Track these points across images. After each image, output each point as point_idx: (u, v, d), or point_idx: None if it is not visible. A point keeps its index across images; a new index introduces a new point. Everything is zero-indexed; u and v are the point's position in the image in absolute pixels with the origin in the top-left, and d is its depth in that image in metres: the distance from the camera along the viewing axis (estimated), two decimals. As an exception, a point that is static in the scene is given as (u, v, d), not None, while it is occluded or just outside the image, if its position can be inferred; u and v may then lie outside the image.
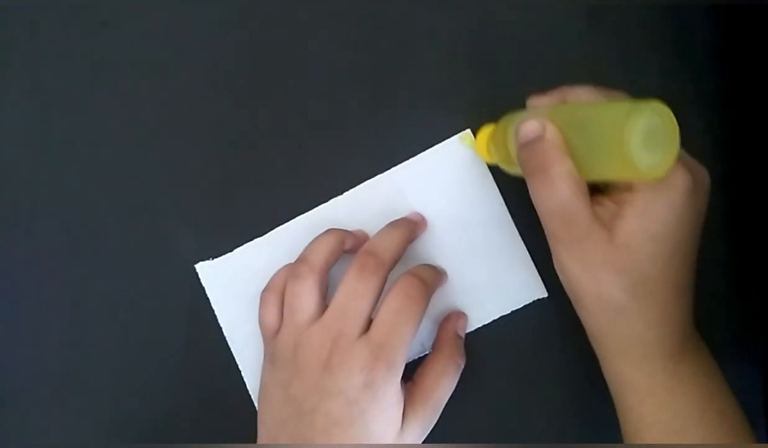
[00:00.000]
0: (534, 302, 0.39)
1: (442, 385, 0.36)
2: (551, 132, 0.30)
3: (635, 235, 0.30)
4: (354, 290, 0.33)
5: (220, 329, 0.39)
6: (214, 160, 0.40)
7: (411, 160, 0.39)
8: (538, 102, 0.34)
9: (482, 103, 0.40)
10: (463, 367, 0.37)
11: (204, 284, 0.39)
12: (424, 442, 0.36)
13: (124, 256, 0.40)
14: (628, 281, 0.30)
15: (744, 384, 0.38)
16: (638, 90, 0.40)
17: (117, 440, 0.40)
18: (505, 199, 0.39)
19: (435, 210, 0.39)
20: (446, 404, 0.36)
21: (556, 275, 0.33)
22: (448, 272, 0.39)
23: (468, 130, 0.39)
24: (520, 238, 0.39)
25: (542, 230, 0.33)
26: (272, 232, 0.39)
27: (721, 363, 0.33)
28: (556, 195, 0.30)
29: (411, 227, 0.38)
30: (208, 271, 0.39)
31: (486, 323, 0.39)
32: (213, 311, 0.39)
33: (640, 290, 0.30)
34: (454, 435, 0.38)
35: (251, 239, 0.39)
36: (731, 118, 0.40)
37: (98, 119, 0.40)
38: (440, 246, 0.39)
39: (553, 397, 0.39)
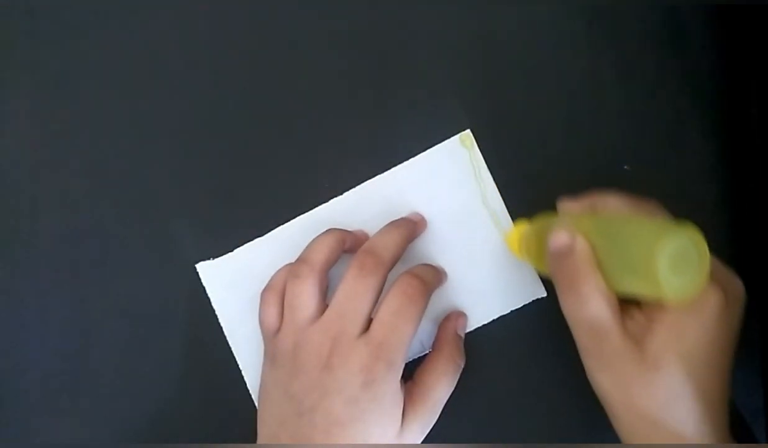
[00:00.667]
0: (534, 301, 0.39)
1: (441, 385, 0.36)
2: (581, 245, 0.31)
3: (665, 355, 0.30)
4: (353, 290, 0.34)
5: (221, 328, 0.39)
6: (215, 160, 0.40)
7: (411, 160, 0.39)
8: (569, 207, 0.35)
9: (482, 104, 0.40)
10: (462, 367, 0.37)
11: (205, 284, 0.39)
12: (423, 442, 0.36)
13: (124, 256, 0.40)
14: (660, 398, 0.30)
15: (743, 384, 0.38)
16: (638, 90, 0.40)
17: (117, 440, 0.40)
18: (504, 200, 0.39)
19: (435, 210, 0.39)
20: (446, 404, 0.36)
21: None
22: (448, 272, 0.39)
23: (468, 131, 0.39)
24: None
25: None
26: (273, 232, 0.39)
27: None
28: (586, 310, 0.31)
29: (411, 227, 0.38)
30: (208, 271, 0.39)
31: (486, 322, 0.39)
32: (213, 310, 0.39)
33: (672, 406, 0.30)
34: (454, 435, 0.38)
35: (252, 239, 0.40)
36: (731, 118, 0.40)
37: (98, 119, 0.41)
38: (440, 246, 0.39)
39: (553, 397, 0.39)
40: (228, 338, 0.39)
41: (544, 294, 0.39)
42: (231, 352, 0.39)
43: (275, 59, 0.40)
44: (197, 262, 0.40)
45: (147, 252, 0.40)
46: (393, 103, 0.40)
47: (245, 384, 0.39)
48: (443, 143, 0.39)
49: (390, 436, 0.33)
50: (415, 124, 0.40)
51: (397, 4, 0.40)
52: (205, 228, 0.40)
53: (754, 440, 0.33)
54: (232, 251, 0.39)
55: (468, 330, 0.39)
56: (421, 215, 0.39)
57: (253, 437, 0.36)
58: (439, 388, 0.36)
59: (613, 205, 0.33)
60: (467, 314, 0.39)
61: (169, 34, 0.41)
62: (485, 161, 0.39)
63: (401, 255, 0.36)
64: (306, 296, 0.34)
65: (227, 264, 0.39)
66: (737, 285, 0.32)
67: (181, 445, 0.39)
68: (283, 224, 0.39)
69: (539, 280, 0.39)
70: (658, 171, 0.40)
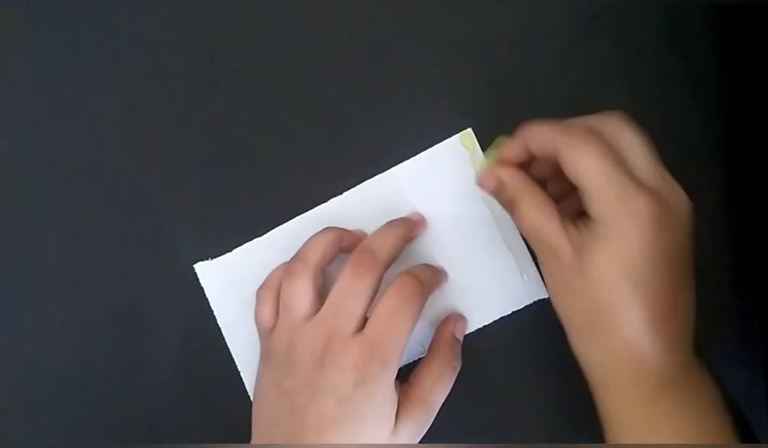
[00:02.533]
0: (534, 302, 0.39)
1: (437, 387, 0.36)
2: (505, 176, 0.34)
3: (597, 264, 0.30)
4: (349, 288, 0.33)
5: (219, 328, 0.39)
6: (214, 160, 0.40)
7: (411, 159, 0.39)
8: (506, 152, 0.35)
9: (482, 104, 0.40)
10: (458, 370, 0.37)
11: (203, 284, 0.39)
12: (421, 442, 0.36)
13: (123, 255, 0.40)
14: (589, 308, 0.31)
15: (745, 384, 0.38)
16: (638, 90, 0.40)
17: (117, 440, 0.40)
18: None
19: (435, 210, 0.39)
20: (445, 404, 0.36)
21: None
22: (449, 273, 0.39)
23: (469, 130, 0.39)
24: (521, 238, 0.39)
25: None
26: (271, 232, 0.39)
27: (721, 363, 0.33)
28: (527, 223, 0.33)
29: (409, 227, 0.37)
30: (207, 271, 0.39)
31: (486, 323, 0.39)
32: (211, 310, 0.39)
33: (598, 319, 0.31)
34: (453, 435, 0.38)
35: (250, 239, 0.39)
36: (731, 118, 0.40)
37: (97, 119, 0.41)
38: (440, 246, 0.39)
39: (553, 397, 0.39)
40: (226, 338, 0.39)
41: (545, 295, 0.39)
42: (229, 351, 0.39)
43: (275, 59, 0.40)
44: (196, 262, 0.40)
45: (146, 252, 0.40)
46: (393, 103, 0.40)
47: (243, 384, 0.39)
48: (444, 142, 0.39)
49: (382, 436, 0.33)
50: (415, 124, 0.40)
51: (397, 4, 0.40)
52: (204, 228, 0.40)
53: (755, 440, 0.33)
54: (231, 251, 0.39)
55: (468, 331, 0.39)
56: (420, 215, 0.39)
57: (250, 437, 0.36)
58: (435, 390, 0.36)
59: (539, 135, 0.33)
60: (468, 315, 0.39)
61: (168, 34, 0.41)
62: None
63: (398, 254, 0.36)
64: (300, 294, 0.34)
65: (225, 264, 0.39)
66: (681, 197, 0.31)
67: (181, 445, 0.39)
68: (282, 223, 0.39)
69: (540, 280, 0.39)
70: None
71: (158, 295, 0.40)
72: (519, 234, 0.39)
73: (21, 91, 0.41)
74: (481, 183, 0.35)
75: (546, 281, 0.34)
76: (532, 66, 0.40)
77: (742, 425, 0.32)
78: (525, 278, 0.38)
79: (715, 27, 0.40)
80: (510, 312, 0.39)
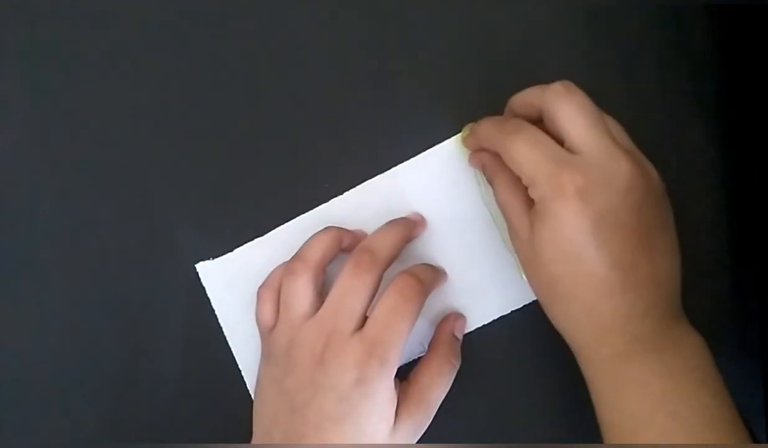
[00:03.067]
0: (535, 301, 0.39)
1: (436, 385, 0.36)
2: (486, 159, 0.36)
3: (539, 241, 0.32)
4: (348, 287, 0.34)
5: (221, 328, 0.39)
6: (214, 160, 0.40)
7: (411, 160, 0.39)
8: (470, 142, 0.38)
9: (482, 104, 0.40)
10: (457, 368, 0.37)
11: (204, 284, 0.39)
12: (419, 442, 0.36)
13: (124, 255, 0.40)
14: (546, 280, 0.32)
15: (743, 383, 0.38)
16: (638, 90, 0.40)
17: (116, 440, 0.40)
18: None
19: (435, 210, 0.39)
20: (445, 404, 0.36)
21: None
22: (449, 272, 0.39)
23: (466, 127, 0.39)
24: None
25: None
26: (272, 232, 0.39)
27: (720, 362, 0.33)
28: (499, 200, 0.35)
29: (409, 226, 0.38)
30: (208, 271, 0.39)
31: (487, 322, 0.39)
32: (213, 310, 0.39)
33: (555, 290, 0.32)
34: (453, 435, 0.38)
35: (251, 239, 0.39)
36: (731, 118, 0.40)
37: (98, 119, 0.41)
38: (440, 246, 0.39)
39: (553, 397, 0.39)
40: (228, 338, 0.39)
41: (534, 299, 0.39)
42: (230, 351, 0.39)
43: (275, 59, 0.40)
44: (197, 261, 0.40)
45: (146, 251, 0.40)
46: (393, 103, 0.40)
47: (245, 384, 0.39)
48: (444, 143, 0.39)
49: (382, 434, 0.33)
50: (415, 124, 0.40)
51: (397, 4, 0.40)
52: (204, 227, 0.40)
53: (755, 440, 0.33)
54: (231, 250, 0.39)
55: (468, 330, 0.39)
56: (420, 216, 0.39)
57: (251, 436, 0.36)
58: (434, 388, 0.36)
59: (483, 135, 0.36)
60: (467, 314, 0.39)
61: (168, 35, 0.41)
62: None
63: (398, 254, 0.36)
64: (301, 292, 0.34)
65: (227, 264, 0.39)
66: (619, 162, 0.31)
67: (181, 445, 0.39)
68: (282, 223, 0.39)
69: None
70: (657, 171, 0.40)
71: (159, 294, 0.40)
72: None
73: (22, 90, 0.41)
74: (470, 161, 0.38)
75: (517, 258, 0.35)
76: (531, 66, 0.40)
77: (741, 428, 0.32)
78: (524, 277, 0.38)
79: (715, 27, 0.40)
80: (510, 311, 0.39)
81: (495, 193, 0.35)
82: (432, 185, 0.39)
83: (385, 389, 0.33)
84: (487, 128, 0.36)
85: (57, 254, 0.40)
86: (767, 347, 0.38)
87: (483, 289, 0.39)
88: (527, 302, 0.39)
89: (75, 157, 0.40)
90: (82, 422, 0.40)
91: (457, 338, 0.38)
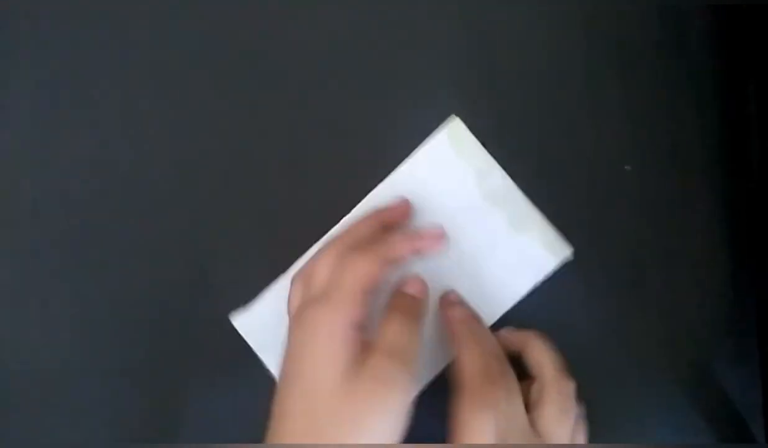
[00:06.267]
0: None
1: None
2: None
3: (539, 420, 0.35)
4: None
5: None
6: (214, 160, 0.40)
7: (407, 161, 0.39)
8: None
9: (482, 104, 0.40)
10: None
11: (242, 334, 0.39)
12: (420, 442, 0.36)
13: (124, 256, 0.40)
14: None
15: (741, 384, 0.39)
16: (638, 90, 0.40)
17: (117, 440, 0.40)
18: (508, 173, 0.39)
19: (443, 203, 0.39)
20: (445, 404, 0.36)
21: (579, 233, 0.37)
22: (472, 258, 0.38)
23: (455, 120, 0.39)
24: (532, 205, 0.39)
25: (554, 193, 0.38)
26: (293, 266, 0.39)
27: (718, 363, 0.33)
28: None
29: (388, 213, 0.38)
30: (245, 322, 0.39)
31: (521, 296, 0.39)
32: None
33: None
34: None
35: (251, 237, 0.40)
36: (730, 118, 0.40)
37: (98, 119, 0.41)
38: (458, 236, 0.39)
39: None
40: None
41: (569, 253, 0.38)
42: (230, 352, 0.39)
43: (275, 59, 0.40)
44: (198, 261, 0.40)
45: (147, 252, 0.40)
46: (393, 103, 0.40)
47: (245, 383, 0.39)
48: (433, 137, 0.39)
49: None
50: (415, 124, 0.40)
51: (397, 4, 0.40)
52: (205, 227, 0.40)
53: (753, 440, 0.33)
54: (233, 248, 0.39)
55: (506, 309, 0.39)
56: (434, 230, 0.38)
57: (253, 438, 0.36)
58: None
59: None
60: (500, 293, 0.39)
61: (170, 36, 0.41)
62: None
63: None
64: (320, 270, 0.34)
65: (260, 310, 0.39)
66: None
67: (181, 445, 0.39)
68: (281, 225, 0.39)
69: (561, 240, 0.38)
70: (658, 171, 0.40)
71: (160, 294, 0.40)
72: (528, 201, 0.39)
73: (22, 90, 0.41)
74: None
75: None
76: (531, 67, 0.40)
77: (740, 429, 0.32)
78: (547, 242, 0.38)
79: (715, 27, 0.40)
80: (541, 279, 0.38)
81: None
82: (434, 181, 0.39)
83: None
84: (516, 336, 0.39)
85: (57, 255, 0.40)
86: (766, 349, 0.39)
87: (510, 265, 0.38)
88: (555, 266, 0.38)
89: (75, 157, 0.40)
90: (83, 422, 0.40)
91: (415, 298, 0.37)
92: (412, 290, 0.36)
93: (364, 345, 0.32)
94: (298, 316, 0.34)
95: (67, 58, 0.41)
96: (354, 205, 0.39)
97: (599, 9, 0.40)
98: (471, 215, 0.39)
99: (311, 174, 0.40)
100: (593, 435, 0.38)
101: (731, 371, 0.37)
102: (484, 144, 0.39)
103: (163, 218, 0.40)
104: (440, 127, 0.39)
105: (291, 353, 0.33)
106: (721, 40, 0.40)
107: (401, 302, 0.36)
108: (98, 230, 0.40)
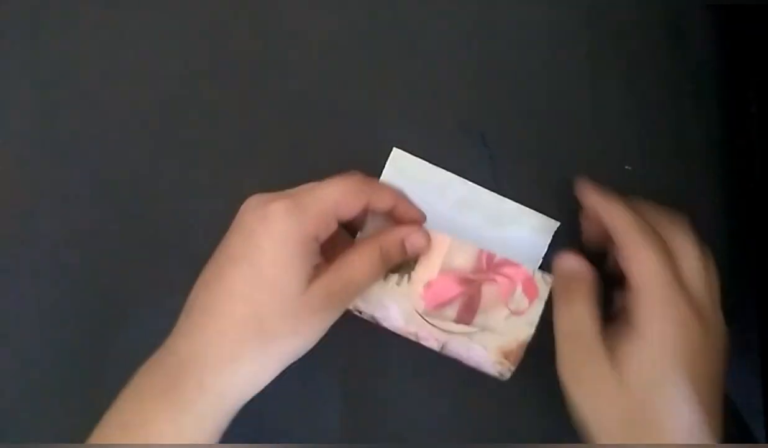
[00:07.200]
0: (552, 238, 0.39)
1: (357, 265, 0.34)
2: (585, 272, 0.34)
3: (637, 365, 0.30)
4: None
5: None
6: (214, 160, 0.40)
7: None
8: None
9: (482, 104, 0.40)
10: (386, 269, 0.36)
11: None
12: (422, 442, 0.36)
13: (125, 256, 0.40)
14: (621, 408, 0.31)
15: (742, 384, 0.38)
16: (638, 90, 0.40)
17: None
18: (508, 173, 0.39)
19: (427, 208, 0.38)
20: (445, 404, 0.36)
21: (579, 233, 0.37)
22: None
23: (393, 149, 0.39)
24: (504, 198, 0.39)
25: (554, 193, 0.38)
26: None
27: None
28: (574, 322, 0.33)
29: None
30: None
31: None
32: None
33: (634, 419, 0.30)
34: (454, 435, 0.38)
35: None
36: (731, 118, 0.40)
37: (98, 119, 0.41)
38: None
39: (553, 396, 0.39)
40: None
41: (557, 224, 0.38)
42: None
43: (275, 59, 0.40)
44: (199, 259, 0.40)
45: (147, 252, 0.40)
46: (393, 103, 0.40)
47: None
48: (383, 173, 0.39)
49: (287, 285, 0.32)
50: (415, 124, 0.40)
51: (397, 4, 0.40)
52: (206, 227, 0.40)
53: (754, 440, 0.33)
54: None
55: None
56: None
57: (253, 438, 0.36)
58: (356, 267, 0.34)
59: (610, 216, 0.34)
60: None
61: (168, 35, 0.41)
62: (484, 163, 0.39)
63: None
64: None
65: None
66: (719, 322, 0.32)
67: (181, 445, 0.39)
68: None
69: (545, 217, 0.38)
70: (658, 171, 0.40)
71: (160, 294, 0.40)
72: (498, 196, 0.39)
73: (22, 91, 0.41)
74: (566, 260, 0.35)
75: (572, 388, 0.33)
76: (531, 67, 0.40)
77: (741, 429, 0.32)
78: (532, 226, 0.38)
79: (715, 27, 0.40)
80: (540, 261, 0.38)
81: (564, 312, 0.34)
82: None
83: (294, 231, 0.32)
84: (617, 216, 0.34)
85: (57, 255, 0.40)
86: (767, 347, 0.38)
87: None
88: (548, 242, 0.38)
89: (75, 157, 0.40)
90: (83, 422, 0.40)
91: (403, 249, 0.36)
92: (410, 241, 0.35)
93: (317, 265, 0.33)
94: (259, 201, 0.33)
95: (67, 57, 0.41)
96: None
97: (599, 9, 0.40)
98: (449, 228, 0.38)
99: (311, 174, 0.40)
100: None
101: (731, 371, 0.37)
102: (484, 143, 0.39)
103: (163, 218, 0.40)
104: (386, 162, 0.39)
105: (241, 233, 0.33)
106: (721, 40, 0.40)
107: (388, 243, 0.35)
108: (98, 231, 0.40)
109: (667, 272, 0.31)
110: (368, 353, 0.39)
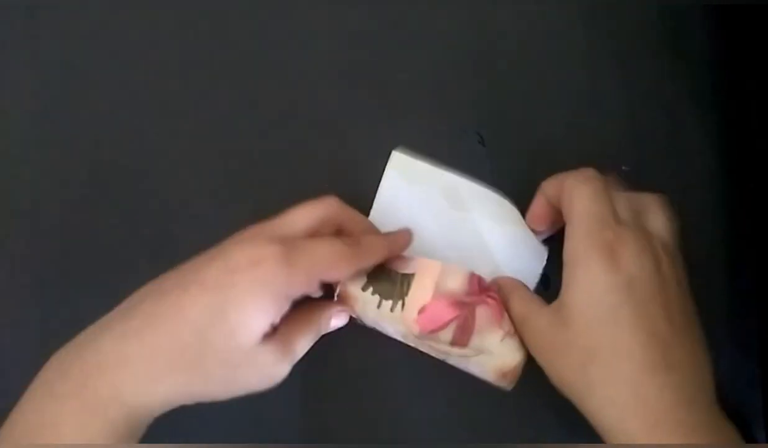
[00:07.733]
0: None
1: (304, 333, 0.34)
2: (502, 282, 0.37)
3: (573, 309, 0.31)
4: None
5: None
6: (214, 160, 0.41)
7: (375, 200, 0.39)
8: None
9: (482, 104, 0.40)
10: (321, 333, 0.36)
11: None
12: (421, 441, 0.36)
13: (125, 256, 0.40)
14: (575, 360, 0.31)
15: (742, 384, 0.38)
16: (638, 90, 0.40)
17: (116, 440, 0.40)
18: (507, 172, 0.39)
19: (422, 230, 0.38)
20: (445, 404, 0.36)
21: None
22: (474, 267, 0.38)
23: (393, 152, 0.39)
24: (503, 198, 0.39)
25: (518, 178, 0.38)
26: None
27: (719, 363, 0.33)
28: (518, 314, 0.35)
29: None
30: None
31: (536, 284, 0.39)
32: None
33: (589, 369, 0.31)
34: (454, 435, 0.38)
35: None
36: (730, 118, 0.40)
37: (98, 119, 0.41)
38: (454, 252, 0.39)
39: (552, 396, 0.39)
40: None
41: (546, 249, 0.38)
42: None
43: (275, 59, 0.41)
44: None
45: (147, 252, 0.40)
46: (393, 103, 0.40)
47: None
48: (384, 177, 0.39)
49: (249, 330, 0.31)
50: (415, 124, 0.40)
51: (397, 4, 0.40)
52: (205, 227, 0.40)
53: (754, 440, 0.33)
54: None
55: None
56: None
57: (252, 437, 0.36)
58: (300, 336, 0.34)
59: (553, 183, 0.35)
60: None
61: (167, 35, 0.41)
62: (483, 163, 0.39)
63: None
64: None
65: None
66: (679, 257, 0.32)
67: (181, 445, 0.39)
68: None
69: (538, 242, 0.38)
70: (657, 171, 0.40)
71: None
72: (500, 203, 0.39)
73: (22, 90, 0.41)
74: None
75: (537, 356, 0.34)
76: (531, 67, 0.40)
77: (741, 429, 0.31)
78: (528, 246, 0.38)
79: (715, 27, 0.40)
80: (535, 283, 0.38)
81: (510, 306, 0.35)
82: (401, 219, 0.38)
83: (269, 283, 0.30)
84: (559, 176, 0.35)
85: (57, 254, 0.40)
86: (766, 348, 0.38)
87: (505, 273, 0.38)
88: (540, 271, 0.39)
89: (75, 157, 0.41)
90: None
91: (328, 325, 0.36)
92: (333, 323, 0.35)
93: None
94: (253, 239, 0.32)
95: (68, 57, 0.41)
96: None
97: (599, 9, 0.40)
98: (454, 228, 0.39)
99: (311, 175, 0.40)
100: (590, 436, 0.38)
101: (731, 372, 0.37)
102: (483, 143, 0.39)
103: (162, 218, 0.40)
104: (386, 165, 0.39)
105: (224, 266, 0.31)
106: (721, 40, 0.40)
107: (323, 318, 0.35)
108: (98, 231, 0.40)
109: (600, 206, 0.31)
110: (368, 353, 0.39)
